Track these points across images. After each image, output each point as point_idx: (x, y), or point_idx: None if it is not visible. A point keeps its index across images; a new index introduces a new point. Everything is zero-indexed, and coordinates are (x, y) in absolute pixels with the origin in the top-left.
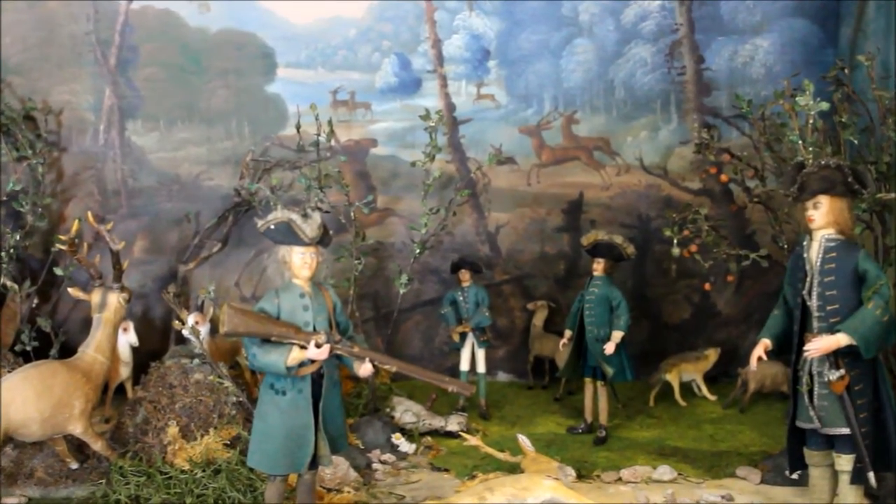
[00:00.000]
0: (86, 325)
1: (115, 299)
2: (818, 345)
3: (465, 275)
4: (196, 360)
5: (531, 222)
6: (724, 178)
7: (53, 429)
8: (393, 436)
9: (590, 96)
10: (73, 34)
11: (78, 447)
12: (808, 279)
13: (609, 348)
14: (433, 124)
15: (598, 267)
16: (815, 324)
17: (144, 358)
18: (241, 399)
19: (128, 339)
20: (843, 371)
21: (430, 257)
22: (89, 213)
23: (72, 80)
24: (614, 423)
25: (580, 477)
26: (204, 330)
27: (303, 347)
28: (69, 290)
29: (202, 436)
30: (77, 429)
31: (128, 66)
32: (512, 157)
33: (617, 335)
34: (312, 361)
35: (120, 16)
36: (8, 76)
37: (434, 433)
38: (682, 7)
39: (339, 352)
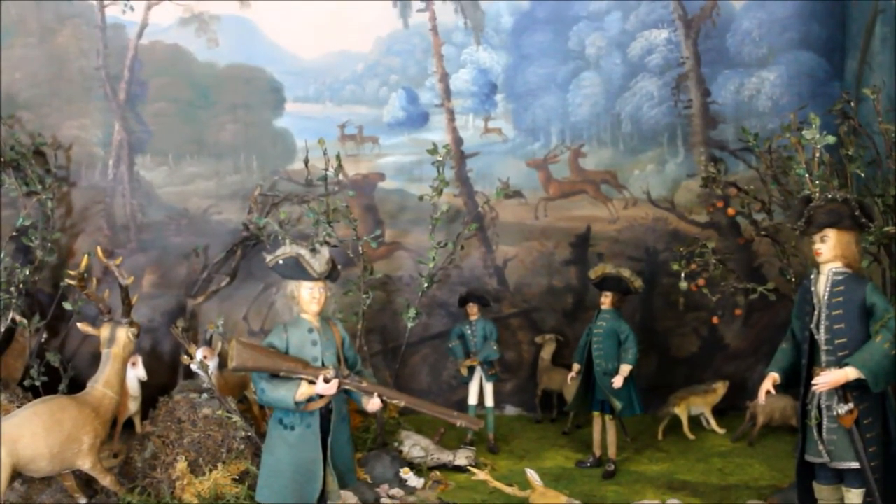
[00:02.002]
0: (95, 360)
1: (123, 334)
2: (826, 379)
3: (472, 308)
4: (204, 395)
5: (539, 256)
6: (731, 211)
7: (62, 464)
8: (401, 470)
9: (597, 130)
10: (82, 69)
11: (86, 482)
12: (816, 313)
13: (617, 382)
14: (441, 158)
15: (606, 300)
16: (824, 357)
17: (153, 392)
18: (249, 434)
19: (136, 373)
20: (851, 405)
21: (438, 291)
22: (98, 248)
23: (81, 115)
24: (623, 457)
25: None
26: (212, 364)
27: (311, 382)
28: (78, 324)
29: (211, 471)
30: (86, 464)
31: (137, 101)
32: (519, 191)
33: (625, 369)
34: (321, 396)
35: (129, 51)
36: (18, 111)
37: (442, 467)
38: (687, 40)
39: (347, 387)
